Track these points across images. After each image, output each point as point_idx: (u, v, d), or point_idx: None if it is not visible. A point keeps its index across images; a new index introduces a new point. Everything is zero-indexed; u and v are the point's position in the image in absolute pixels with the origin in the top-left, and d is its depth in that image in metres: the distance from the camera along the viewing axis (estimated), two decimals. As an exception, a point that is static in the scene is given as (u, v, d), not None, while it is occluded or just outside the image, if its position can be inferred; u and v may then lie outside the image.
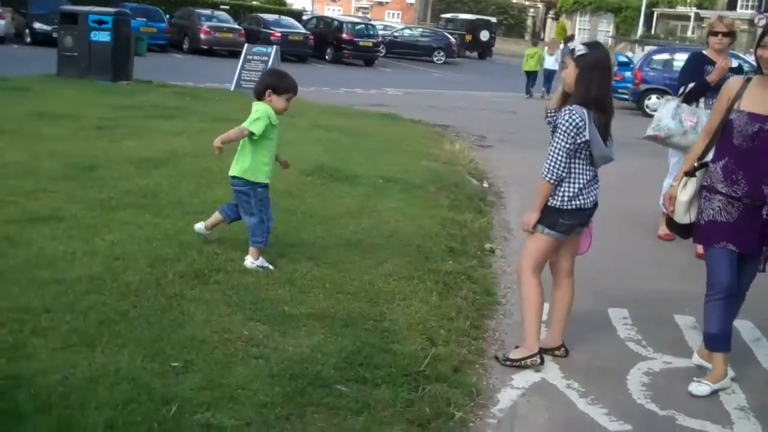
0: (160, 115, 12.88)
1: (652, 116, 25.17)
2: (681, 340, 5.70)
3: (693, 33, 53.82)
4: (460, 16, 54.49)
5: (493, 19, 55.37)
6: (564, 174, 4.73)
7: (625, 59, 26.25)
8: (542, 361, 4.96)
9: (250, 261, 5.78)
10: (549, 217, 4.84)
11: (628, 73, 24.54)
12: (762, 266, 4.91)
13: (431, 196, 8.87)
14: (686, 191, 4.98)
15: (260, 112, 5.74)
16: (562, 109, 4.76)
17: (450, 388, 4.44)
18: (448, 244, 7.13)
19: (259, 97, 5.83)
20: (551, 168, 4.72)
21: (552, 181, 4.75)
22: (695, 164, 4.99)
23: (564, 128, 4.66)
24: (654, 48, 27.99)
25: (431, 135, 14.59)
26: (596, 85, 4.69)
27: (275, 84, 5.80)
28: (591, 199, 4.86)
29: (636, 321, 5.99)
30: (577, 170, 4.77)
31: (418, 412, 4.08)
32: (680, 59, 23.75)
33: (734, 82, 4.88)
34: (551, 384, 4.85)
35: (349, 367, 4.36)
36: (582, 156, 4.74)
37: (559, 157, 4.70)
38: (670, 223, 5.18)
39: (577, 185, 4.78)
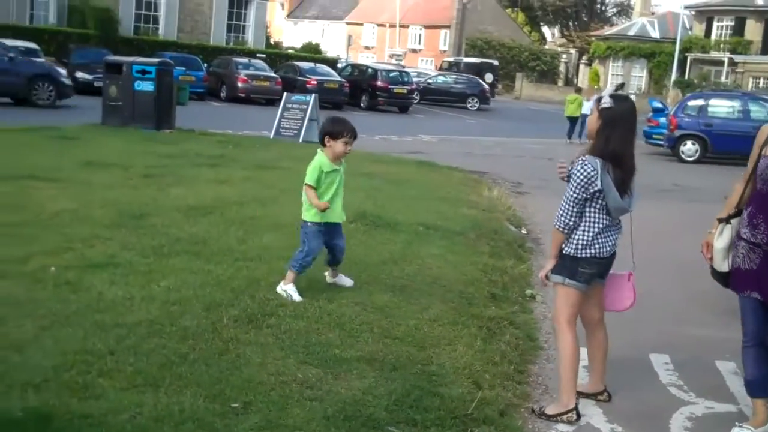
0: (204, 163, 13.19)
1: (687, 162, 25.15)
2: (723, 386, 5.78)
3: (727, 78, 53.83)
4: (465, 60, 55.86)
5: (496, 62, 56.83)
6: (573, 223, 4.83)
7: (660, 105, 26.39)
8: (578, 417, 4.99)
9: (281, 286, 6.26)
10: (568, 267, 4.94)
11: (663, 119, 24.70)
12: None
13: (471, 243, 9.03)
14: (722, 239, 4.98)
15: (312, 165, 6.29)
16: (576, 160, 4.87)
17: (497, 431, 4.57)
18: (490, 290, 7.28)
19: (322, 143, 6.34)
20: (560, 217, 4.85)
21: (562, 230, 4.87)
22: (731, 212, 5.03)
23: (576, 179, 4.77)
24: (689, 94, 28.14)
25: (468, 182, 14.78)
26: (615, 140, 4.78)
27: (330, 130, 6.30)
28: (607, 248, 4.92)
29: (677, 366, 6.08)
30: (591, 218, 4.85)
31: (467, 454, 4.22)
32: (715, 105, 23.95)
33: (766, 127, 4.91)
34: (596, 428, 4.96)
35: (400, 410, 4.50)
36: (597, 205, 4.82)
37: (569, 207, 4.81)
38: (712, 271, 5.18)
39: (590, 233, 4.86)
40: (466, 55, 63.46)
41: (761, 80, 51.85)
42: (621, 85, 30.37)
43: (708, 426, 5.07)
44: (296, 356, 5.03)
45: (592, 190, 4.76)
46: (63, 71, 24.43)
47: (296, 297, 6.15)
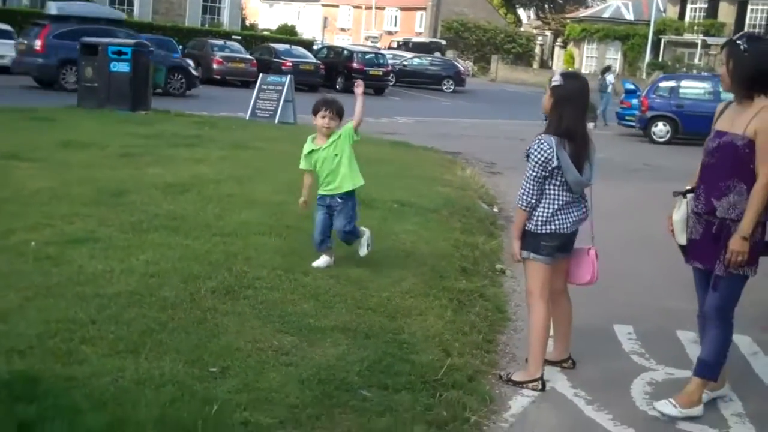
0: (181, 143, 13.29)
1: (659, 143, 25.47)
2: (682, 354, 6.02)
3: (700, 60, 54.28)
4: (414, 40, 57.68)
5: (444, 42, 59.41)
6: (535, 201, 5.02)
7: (632, 87, 26.68)
8: (543, 387, 5.18)
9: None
10: (531, 242, 5.13)
11: (635, 101, 25.00)
12: (712, 283, 4.87)
13: (444, 220, 9.24)
14: (680, 211, 5.08)
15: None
16: (533, 139, 5.06)
17: (465, 394, 4.78)
18: (461, 265, 7.49)
19: None
20: (522, 196, 5.05)
21: (524, 208, 5.05)
22: (688, 186, 5.12)
23: (533, 158, 4.96)
24: (661, 76, 28.50)
25: (443, 162, 14.98)
26: (567, 117, 4.97)
27: (313, 108, 6.67)
28: (569, 223, 5.10)
29: (640, 336, 6.32)
30: (551, 195, 5.04)
31: (436, 415, 4.42)
32: (686, 86, 24.24)
33: (721, 104, 5.03)
34: (559, 393, 5.19)
35: (372, 375, 4.71)
36: (557, 182, 5.01)
37: (529, 185, 5.01)
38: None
39: (550, 209, 5.04)
40: (442, 37, 63.65)
41: (734, 63, 52.17)
42: (608, 68, 30.90)
43: (667, 390, 5.28)
44: (272, 325, 5.22)
45: (550, 168, 4.95)
46: (191, 63, 27.98)
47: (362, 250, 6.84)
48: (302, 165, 6.77)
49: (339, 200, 6.68)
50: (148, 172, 10.23)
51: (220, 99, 26.08)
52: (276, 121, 18.55)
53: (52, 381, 4.05)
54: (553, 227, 5.06)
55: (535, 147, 4.97)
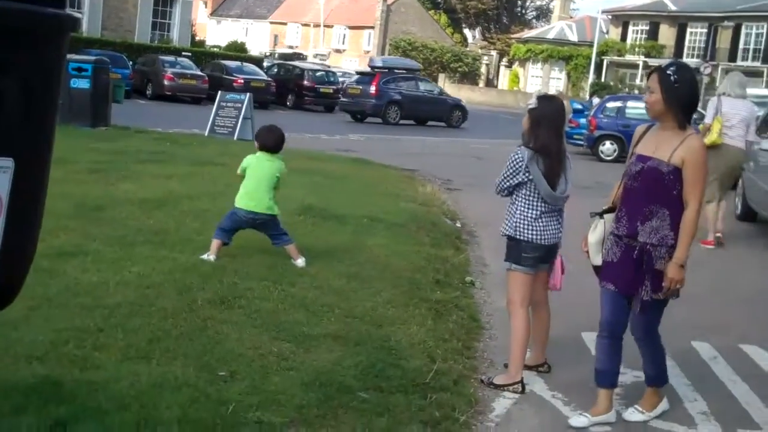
0: (147, 159, 13.45)
1: (606, 161, 26.00)
2: (647, 359, 6.42)
3: (641, 80, 55.65)
4: (279, 51, 58.77)
5: (304, 54, 60.02)
6: (506, 189, 5.50)
7: (580, 107, 27.40)
8: (523, 389, 5.53)
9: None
10: (513, 253, 5.53)
11: (582, 120, 25.65)
12: (637, 307, 5.00)
13: (413, 234, 9.58)
14: (596, 233, 5.19)
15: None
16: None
17: (452, 396, 5.11)
18: (434, 277, 7.83)
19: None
20: (497, 183, 5.55)
21: (498, 192, 5.58)
22: (605, 207, 5.22)
23: (508, 162, 5.46)
24: (607, 96, 29.34)
25: (402, 178, 15.33)
26: (542, 136, 5.40)
27: None
28: (548, 234, 5.49)
29: (607, 343, 6.70)
30: (521, 202, 5.47)
31: (429, 415, 4.75)
32: (632, 107, 24.99)
33: (640, 127, 5.07)
34: (538, 395, 5.55)
35: (367, 378, 5.02)
36: (528, 191, 5.44)
37: (501, 177, 5.49)
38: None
39: (522, 215, 5.45)
40: (389, 55, 64.35)
41: (674, 83, 53.57)
42: (595, 92, 32.52)
43: (634, 391, 5.65)
44: (269, 333, 5.50)
45: (520, 174, 5.38)
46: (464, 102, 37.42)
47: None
48: None
49: None
50: (121, 187, 10.41)
51: (172, 115, 26.16)
52: (235, 137, 18.74)
53: (74, 385, 4.28)
54: (532, 234, 5.43)
55: (511, 155, 5.46)
